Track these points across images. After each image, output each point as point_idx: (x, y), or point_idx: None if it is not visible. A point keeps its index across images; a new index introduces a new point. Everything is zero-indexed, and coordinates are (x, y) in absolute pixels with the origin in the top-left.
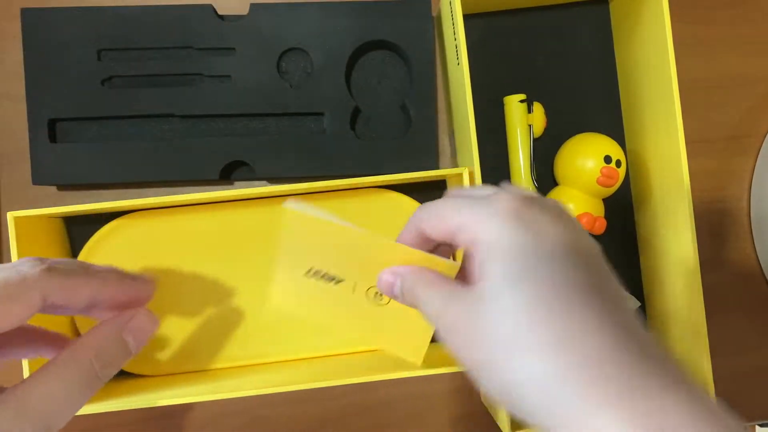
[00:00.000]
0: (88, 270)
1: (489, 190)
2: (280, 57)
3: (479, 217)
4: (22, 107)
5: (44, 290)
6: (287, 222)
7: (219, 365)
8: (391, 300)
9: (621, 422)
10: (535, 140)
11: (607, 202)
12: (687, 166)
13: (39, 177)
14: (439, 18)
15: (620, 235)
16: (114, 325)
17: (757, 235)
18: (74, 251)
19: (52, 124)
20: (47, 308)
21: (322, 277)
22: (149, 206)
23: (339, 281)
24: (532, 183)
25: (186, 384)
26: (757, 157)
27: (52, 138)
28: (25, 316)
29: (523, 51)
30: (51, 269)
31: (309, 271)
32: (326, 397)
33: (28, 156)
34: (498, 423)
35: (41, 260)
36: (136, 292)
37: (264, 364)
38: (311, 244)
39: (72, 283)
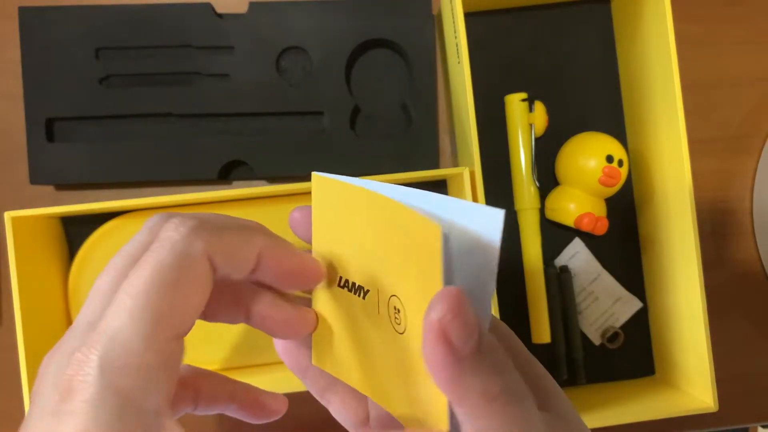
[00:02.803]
0: (241, 223)
1: None
2: (279, 55)
3: None
4: (20, 106)
5: (208, 253)
6: (316, 197)
7: (221, 366)
8: (408, 325)
9: None
10: (536, 139)
11: (609, 201)
12: (689, 166)
13: (36, 176)
14: (439, 16)
15: (622, 235)
16: None
17: (760, 234)
18: (72, 251)
19: (49, 123)
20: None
21: (351, 288)
22: (147, 206)
23: (365, 292)
24: (533, 182)
25: None
26: (759, 156)
27: (50, 137)
28: (205, 298)
29: (524, 50)
30: (201, 226)
31: (340, 280)
32: None
33: (26, 155)
34: None
35: (177, 217)
36: (303, 261)
37: (267, 364)
38: (339, 226)
39: (231, 239)
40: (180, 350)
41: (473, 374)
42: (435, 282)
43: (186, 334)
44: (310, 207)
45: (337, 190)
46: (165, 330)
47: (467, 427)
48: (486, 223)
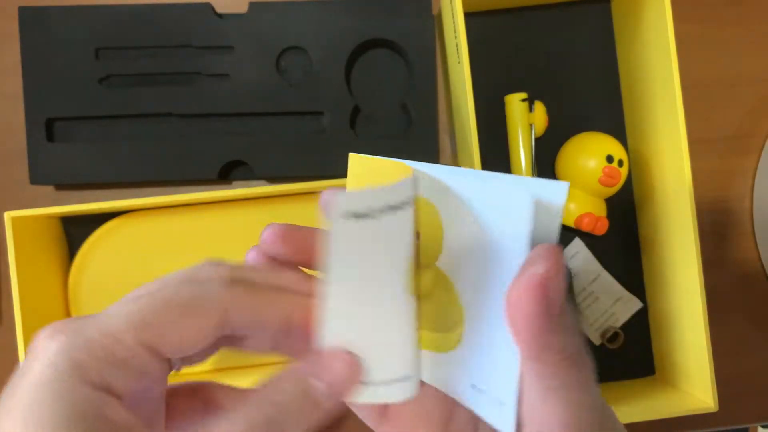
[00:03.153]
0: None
1: None
2: (279, 55)
3: None
4: (20, 106)
5: (225, 303)
6: (353, 177)
7: (223, 366)
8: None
9: None
10: (536, 139)
11: (610, 201)
12: (689, 166)
13: (37, 176)
14: (439, 16)
15: (622, 235)
16: (299, 370)
17: (760, 234)
18: (72, 251)
19: (49, 123)
20: (224, 336)
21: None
22: (147, 206)
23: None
24: None
25: None
26: (759, 156)
27: (50, 137)
28: (200, 337)
29: (524, 49)
30: (236, 280)
31: None
32: None
33: (26, 155)
34: None
35: (226, 265)
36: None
37: (269, 364)
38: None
39: (262, 298)
40: (154, 367)
41: (555, 332)
42: (519, 246)
43: (170, 356)
44: (339, 189)
45: (383, 169)
46: (145, 335)
47: (535, 387)
48: (552, 194)
